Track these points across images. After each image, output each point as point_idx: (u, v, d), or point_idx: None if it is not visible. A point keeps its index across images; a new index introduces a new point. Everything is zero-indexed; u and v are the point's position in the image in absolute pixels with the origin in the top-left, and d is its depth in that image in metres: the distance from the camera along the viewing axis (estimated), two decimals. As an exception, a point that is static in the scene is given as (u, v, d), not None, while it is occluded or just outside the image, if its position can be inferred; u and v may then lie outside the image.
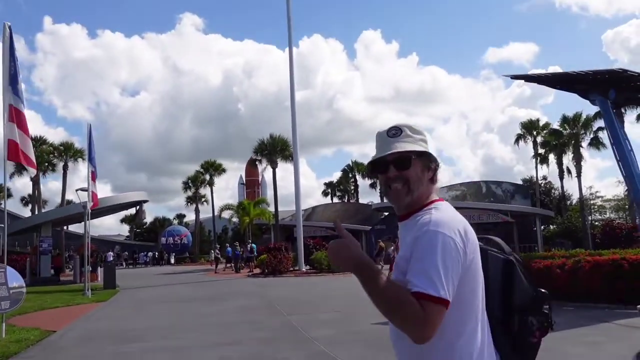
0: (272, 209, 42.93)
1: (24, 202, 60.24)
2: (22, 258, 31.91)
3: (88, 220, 18.92)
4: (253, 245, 32.88)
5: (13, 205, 63.02)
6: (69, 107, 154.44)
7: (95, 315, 13.16)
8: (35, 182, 37.67)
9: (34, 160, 11.05)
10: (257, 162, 41.37)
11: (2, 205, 59.73)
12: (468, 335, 1.58)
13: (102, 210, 28.72)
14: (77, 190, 20.37)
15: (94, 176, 18.91)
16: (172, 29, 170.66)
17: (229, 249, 34.47)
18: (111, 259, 46.79)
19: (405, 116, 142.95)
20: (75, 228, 41.58)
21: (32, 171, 11.46)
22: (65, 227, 44.01)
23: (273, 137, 39.92)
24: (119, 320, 12.14)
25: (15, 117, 10.47)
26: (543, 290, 1.81)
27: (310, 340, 8.25)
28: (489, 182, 47.09)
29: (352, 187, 68.26)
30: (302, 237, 28.39)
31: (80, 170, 42.90)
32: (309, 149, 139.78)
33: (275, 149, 39.32)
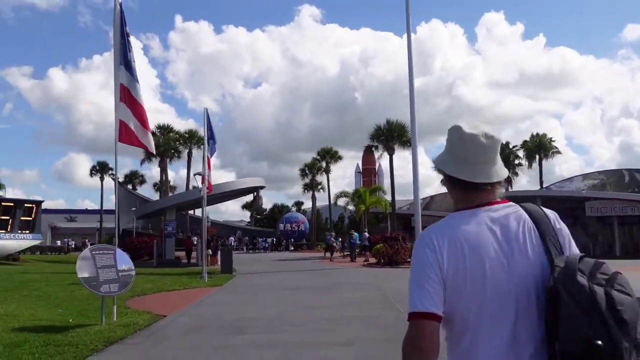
0: (389, 197, 41.77)
1: (155, 188, 64.35)
2: (151, 240, 33.68)
3: (204, 203, 19.03)
4: (362, 234, 31.84)
5: (147, 191, 67.82)
6: (198, 100, 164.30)
7: (208, 301, 12.94)
8: (163, 168, 39.76)
9: (147, 143, 10.67)
10: (373, 149, 40.27)
11: (137, 191, 64.37)
12: (462, 351, 1.53)
13: (220, 195, 29.35)
14: (194, 175, 20.66)
15: (209, 161, 18.96)
16: (291, 21, 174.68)
17: (328, 237, 33.61)
18: (232, 243, 48.59)
19: (531, 102, 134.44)
20: (200, 212, 43.30)
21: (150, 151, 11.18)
22: (192, 212, 46.20)
23: (390, 122, 38.65)
24: (230, 307, 11.74)
25: (127, 97, 10.27)
26: None
27: None
28: (633, 171, 42.04)
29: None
30: (421, 227, 26.91)
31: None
32: (427, 137, 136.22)
33: (392, 135, 38.03)
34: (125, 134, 10.20)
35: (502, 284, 1.49)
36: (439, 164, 1.67)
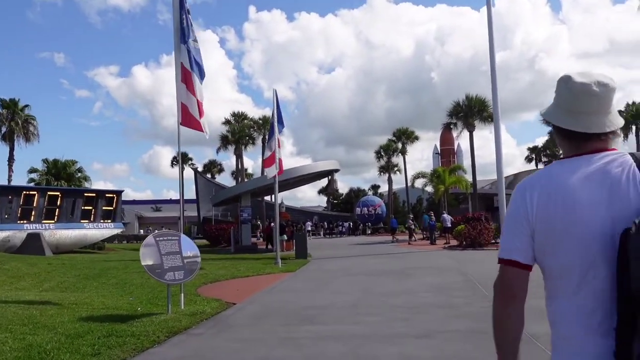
0: (469, 177, 39.91)
1: (233, 175, 65.46)
2: (229, 227, 34.03)
3: (276, 187, 18.59)
4: (442, 216, 30.48)
5: (226, 180, 69.22)
6: (272, 89, 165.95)
7: (280, 287, 12.45)
8: (238, 155, 40.08)
9: (202, 124, 10.12)
10: (451, 127, 38.48)
11: (216, 179, 65.76)
12: (556, 301, 1.58)
13: (294, 180, 28.98)
14: (264, 159, 20.27)
15: (279, 142, 18.45)
16: (364, 3, 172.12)
17: (393, 220, 32.45)
18: (309, 228, 48.47)
19: (623, 71, 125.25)
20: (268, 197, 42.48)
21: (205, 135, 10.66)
22: (270, 198, 46.41)
23: (469, 97, 36.70)
24: (301, 294, 11.16)
25: (185, 77, 9.83)
26: None
27: (531, 340, 5.69)
28: None
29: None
30: (505, 204, 25.19)
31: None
32: (508, 115, 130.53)
33: (472, 111, 36.11)
34: (185, 117, 9.79)
35: (595, 230, 1.48)
36: (548, 116, 1.65)
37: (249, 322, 8.11)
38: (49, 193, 22.52)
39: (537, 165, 63.51)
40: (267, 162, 18.76)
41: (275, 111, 18.17)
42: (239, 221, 29.92)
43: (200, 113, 9.98)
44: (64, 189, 28.45)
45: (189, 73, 9.81)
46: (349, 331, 7.09)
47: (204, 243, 39.58)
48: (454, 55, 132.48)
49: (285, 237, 27.62)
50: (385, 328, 7.17)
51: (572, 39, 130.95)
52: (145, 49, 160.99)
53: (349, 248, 29.23)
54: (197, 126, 9.82)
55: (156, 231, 9.02)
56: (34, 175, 40.07)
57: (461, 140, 62.83)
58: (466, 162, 50.53)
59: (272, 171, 18.83)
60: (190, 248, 9.08)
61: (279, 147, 18.58)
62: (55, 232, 22.40)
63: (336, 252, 25.98)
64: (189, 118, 9.77)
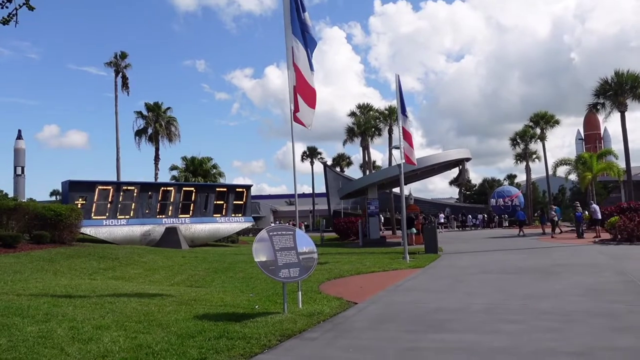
0: (620, 163, 35.66)
1: (362, 168, 65.25)
2: (357, 220, 33.57)
3: (402, 177, 17.55)
4: (590, 206, 27.29)
5: (355, 173, 69.18)
6: (401, 81, 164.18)
7: (406, 285, 11.51)
8: (365, 147, 39.50)
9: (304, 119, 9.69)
10: (598, 108, 34.48)
11: (345, 173, 65.95)
12: None
13: (422, 170, 27.66)
14: (392, 149, 19.31)
15: (406, 131, 17.37)
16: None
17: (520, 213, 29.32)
18: (442, 221, 46.65)
19: None
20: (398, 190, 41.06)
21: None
22: (399, 190, 45.34)
23: (619, 73, 32.60)
24: (429, 294, 10.14)
25: (295, 63, 9.24)
26: None
27: None
28: None
29: None
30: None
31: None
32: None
33: (623, 88, 32.03)
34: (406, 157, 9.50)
35: None
36: None
37: (369, 325, 7.31)
38: (184, 189, 23.65)
39: None
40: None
41: (398, 99, 17.13)
42: (366, 214, 29.28)
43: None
44: (198, 184, 29.77)
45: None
46: (485, 343, 6.00)
47: (332, 236, 39.63)
48: (597, 32, 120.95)
49: (414, 230, 26.49)
50: (529, 341, 5.97)
51: None
52: (276, 50, 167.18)
53: (483, 242, 27.34)
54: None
55: (305, 226, 8.58)
56: (175, 173, 42.91)
57: (608, 124, 56.82)
58: (615, 147, 45.50)
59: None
60: (305, 243, 8.50)
61: (405, 137, 17.50)
62: (191, 226, 23.46)
63: (469, 246, 24.33)
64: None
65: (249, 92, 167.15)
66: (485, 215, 52.67)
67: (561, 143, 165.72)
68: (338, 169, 68.12)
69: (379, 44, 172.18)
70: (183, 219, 23.17)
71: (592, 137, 69.64)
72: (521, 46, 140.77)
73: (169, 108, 46.42)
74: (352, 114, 43.06)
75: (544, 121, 47.54)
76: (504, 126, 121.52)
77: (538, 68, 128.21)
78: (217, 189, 24.89)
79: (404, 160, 17.06)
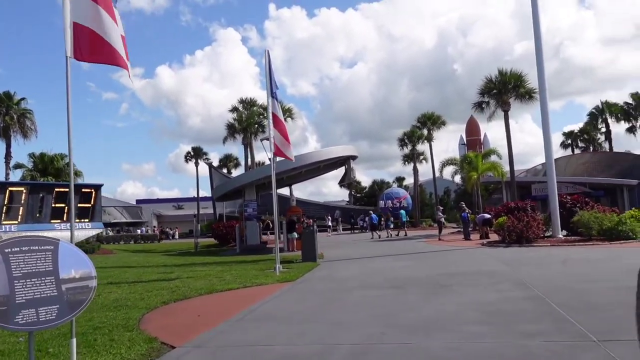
0: (504, 164, 35.63)
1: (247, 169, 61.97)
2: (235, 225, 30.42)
3: (273, 174, 14.64)
4: (479, 214, 26.33)
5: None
6: (296, 85, 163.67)
7: (261, 310, 8.62)
8: (246, 145, 36.37)
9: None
10: (483, 107, 34.04)
11: (233, 174, 62.20)
12: None
13: (305, 169, 25.15)
14: (261, 140, 16.46)
15: (276, 118, 14.50)
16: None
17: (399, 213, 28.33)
18: (330, 224, 44.58)
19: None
20: (283, 191, 37.15)
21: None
22: (287, 192, 42.62)
23: (503, 72, 32.30)
24: (285, 326, 7.30)
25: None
26: None
27: None
28: None
29: (602, 135, 56.11)
30: (556, 192, 20.87)
31: (296, 129, 41.08)
32: (534, 103, 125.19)
33: (507, 87, 31.72)
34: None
35: None
36: None
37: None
38: (10, 189, 18.91)
39: (573, 151, 58.66)
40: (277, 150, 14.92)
41: (268, 79, 14.23)
42: (243, 217, 26.20)
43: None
44: (28, 182, 25.17)
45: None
46: None
47: (211, 242, 36.09)
48: (477, 45, 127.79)
49: (295, 234, 23.80)
50: None
51: (598, 25, 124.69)
52: (169, 50, 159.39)
53: (369, 245, 25.34)
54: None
55: (10, 237, 5.26)
56: (20, 172, 36.99)
57: (488, 130, 58.31)
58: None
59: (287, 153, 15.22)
60: (76, 264, 5.31)
61: (275, 125, 14.62)
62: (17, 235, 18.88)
63: (354, 250, 22.13)
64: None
65: (139, 92, 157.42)
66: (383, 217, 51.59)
67: (446, 147, 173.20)
68: (225, 171, 64.29)
69: (275, 48, 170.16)
70: (8, 226, 18.67)
71: (473, 142, 71.65)
72: (410, 55, 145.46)
73: (22, 99, 40.40)
74: (234, 109, 39.71)
75: (431, 122, 47.27)
76: (394, 131, 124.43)
77: (425, 77, 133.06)
78: (57, 190, 20.46)
79: (273, 151, 14.15)
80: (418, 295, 9.28)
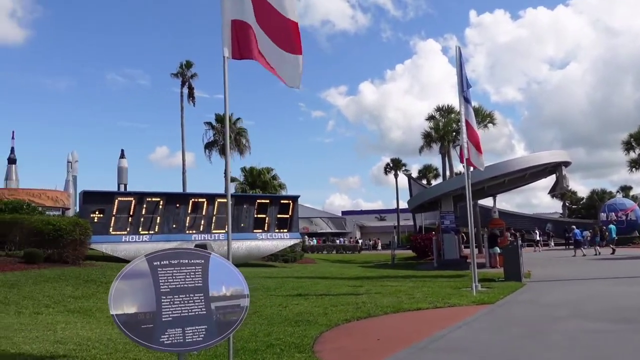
0: None
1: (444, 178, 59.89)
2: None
3: (468, 182, 13.19)
4: None
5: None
6: (500, 92, 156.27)
7: (447, 340, 7.41)
8: (444, 154, 34.79)
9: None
10: None
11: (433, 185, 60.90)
12: None
13: (506, 177, 22.87)
14: (453, 147, 15.09)
15: (469, 125, 13.09)
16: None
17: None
18: (537, 238, 40.48)
19: None
20: (486, 202, 34.44)
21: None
22: (489, 202, 39.85)
23: None
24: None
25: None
26: None
27: None
28: None
29: None
30: None
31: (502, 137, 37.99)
32: None
33: None
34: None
35: None
36: None
37: None
38: (218, 200, 20.21)
39: None
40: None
41: (459, 78, 12.93)
42: (440, 229, 24.79)
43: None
44: (235, 194, 26.72)
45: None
46: None
47: (408, 254, 35.21)
48: None
49: (497, 249, 21.68)
50: None
51: None
52: (371, 67, 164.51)
53: (589, 264, 21.98)
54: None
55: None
56: (233, 185, 40.59)
57: None
58: None
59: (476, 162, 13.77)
60: (227, 280, 4.85)
61: (469, 134, 13.23)
62: (225, 244, 20.12)
63: (566, 270, 19.31)
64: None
65: (343, 109, 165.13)
66: (590, 232, 45.56)
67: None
68: (424, 182, 63.13)
69: (477, 55, 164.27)
70: (216, 234, 20.16)
71: None
72: (634, 49, 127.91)
73: (238, 119, 44.51)
74: (431, 117, 38.44)
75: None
76: (616, 135, 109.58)
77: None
78: (259, 201, 21.57)
79: (467, 157, 12.76)
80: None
